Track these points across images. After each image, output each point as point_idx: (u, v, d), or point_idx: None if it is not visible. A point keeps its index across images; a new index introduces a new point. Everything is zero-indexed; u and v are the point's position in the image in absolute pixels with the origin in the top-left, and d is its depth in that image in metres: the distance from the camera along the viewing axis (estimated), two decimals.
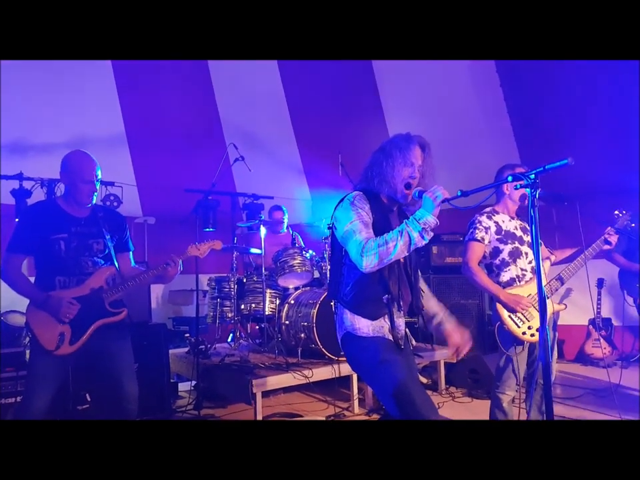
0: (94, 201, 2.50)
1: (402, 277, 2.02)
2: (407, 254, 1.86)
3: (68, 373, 2.52)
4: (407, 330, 2.12)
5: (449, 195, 1.79)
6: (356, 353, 2.00)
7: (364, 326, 1.94)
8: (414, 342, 2.13)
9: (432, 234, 1.82)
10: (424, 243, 1.81)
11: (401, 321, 2.04)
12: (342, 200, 2.01)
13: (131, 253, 2.67)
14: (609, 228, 2.82)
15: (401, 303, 2.00)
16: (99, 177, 2.48)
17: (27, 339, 3.66)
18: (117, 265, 2.55)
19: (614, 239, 2.80)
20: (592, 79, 4.92)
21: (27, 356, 3.47)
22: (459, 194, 1.76)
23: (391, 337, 1.96)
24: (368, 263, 1.81)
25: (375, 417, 3.88)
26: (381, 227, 1.92)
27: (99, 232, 2.49)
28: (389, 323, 1.96)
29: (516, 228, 2.89)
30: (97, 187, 2.48)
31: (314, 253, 4.64)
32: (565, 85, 5.08)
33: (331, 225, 2.07)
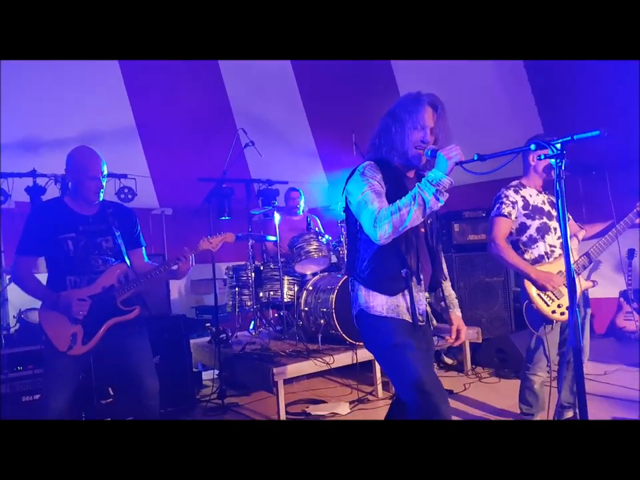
0: (101, 198, 2.46)
1: (422, 249, 1.91)
2: (423, 219, 1.73)
3: (84, 372, 2.53)
4: (429, 308, 2.01)
5: (465, 158, 1.66)
6: (369, 332, 1.93)
7: (378, 304, 1.86)
8: (435, 322, 2.02)
9: (447, 195, 1.69)
10: (439, 205, 1.69)
11: (421, 296, 1.93)
12: (352, 172, 1.90)
13: (143, 248, 2.63)
14: None
15: (421, 277, 1.90)
16: (105, 172, 2.44)
17: None
18: (127, 262, 2.52)
19: None
20: None
21: None
22: (476, 157, 1.62)
23: (406, 317, 1.86)
24: (382, 234, 1.69)
25: None
26: (396, 195, 1.78)
27: (108, 229, 2.45)
28: (408, 299, 1.86)
29: (544, 202, 2.75)
30: (103, 183, 2.43)
31: (330, 238, 4.56)
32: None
33: (344, 201, 1.96)
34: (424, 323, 1.94)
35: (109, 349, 2.41)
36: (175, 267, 2.44)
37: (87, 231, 2.40)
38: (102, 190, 2.43)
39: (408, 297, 1.87)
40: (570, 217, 2.82)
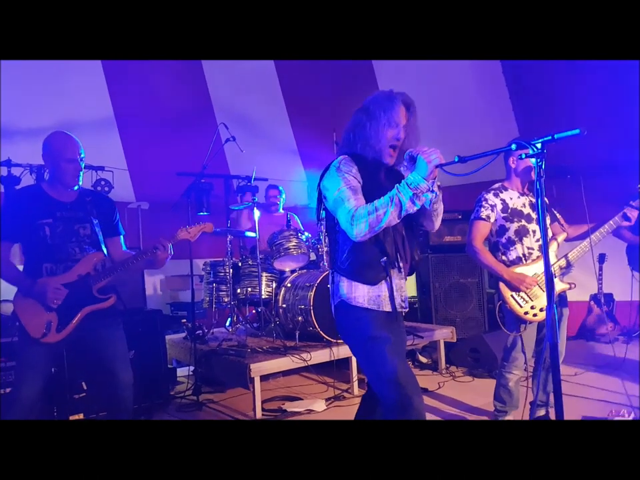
0: (80, 182, 2.42)
1: (397, 236, 1.92)
2: (399, 220, 1.76)
3: (57, 362, 2.49)
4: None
5: (445, 161, 1.69)
6: (347, 323, 1.94)
7: (360, 295, 1.87)
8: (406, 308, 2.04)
9: (424, 199, 1.73)
10: (415, 208, 1.73)
11: (402, 283, 1.96)
12: (328, 167, 1.92)
13: (121, 237, 2.60)
14: (631, 202, 2.66)
15: (400, 264, 1.92)
16: (83, 156, 2.40)
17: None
18: (104, 250, 2.48)
19: (634, 214, 2.66)
20: None
21: None
22: (456, 159, 1.66)
23: (387, 307, 1.88)
24: (358, 232, 1.73)
25: None
26: (370, 189, 1.83)
27: (86, 216, 2.42)
28: (389, 287, 1.88)
29: (524, 205, 2.80)
30: (82, 167, 2.40)
31: (310, 235, 4.56)
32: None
33: (318, 194, 1.99)
34: (407, 309, 1.98)
35: (83, 338, 2.37)
36: (152, 256, 2.39)
37: (64, 217, 2.37)
38: (81, 173, 2.39)
39: (388, 286, 1.89)
40: (559, 217, 2.88)
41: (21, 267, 2.41)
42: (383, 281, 1.89)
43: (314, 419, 3.40)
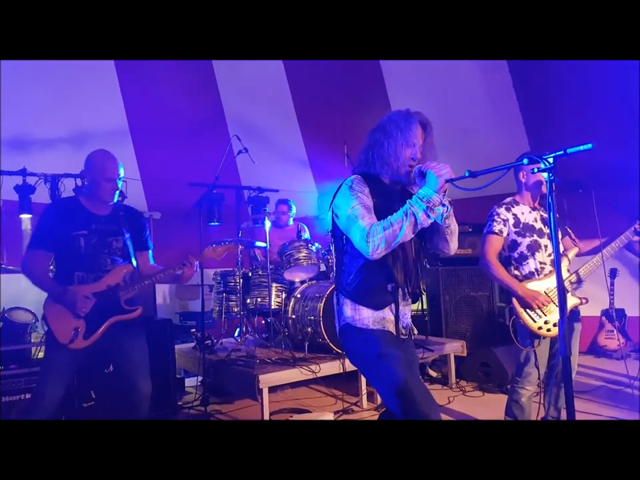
0: (116, 199, 2.54)
1: (407, 264, 1.91)
2: (413, 235, 1.75)
3: (79, 369, 2.56)
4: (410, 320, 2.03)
5: (454, 175, 1.69)
6: (354, 345, 1.91)
7: (364, 317, 1.85)
8: (416, 331, 2.04)
9: (437, 212, 1.72)
10: (429, 222, 1.71)
11: (407, 309, 1.94)
12: (340, 186, 1.91)
13: (150, 251, 2.71)
14: None
15: (407, 291, 1.90)
16: (122, 175, 2.52)
17: (32, 334, 3.67)
18: (134, 263, 2.59)
19: None
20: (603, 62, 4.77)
21: (33, 353, 3.47)
22: (467, 174, 1.65)
23: (392, 329, 1.86)
24: (374, 248, 1.70)
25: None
26: (383, 209, 1.81)
27: (119, 230, 2.53)
28: (394, 313, 1.87)
29: (535, 220, 2.80)
30: (119, 185, 2.51)
31: (320, 246, 4.57)
32: (575, 68, 4.93)
33: (331, 214, 1.97)
34: (406, 337, 1.95)
35: (106, 347, 2.44)
36: (179, 272, 2.52)
37: (99, 229, 2.48)
38: (117, 192, 2.51)
39: (394, 311, 1.87)
40: (569, 231, 2.87)
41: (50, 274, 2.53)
42: (388, 307, 1.87)
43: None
